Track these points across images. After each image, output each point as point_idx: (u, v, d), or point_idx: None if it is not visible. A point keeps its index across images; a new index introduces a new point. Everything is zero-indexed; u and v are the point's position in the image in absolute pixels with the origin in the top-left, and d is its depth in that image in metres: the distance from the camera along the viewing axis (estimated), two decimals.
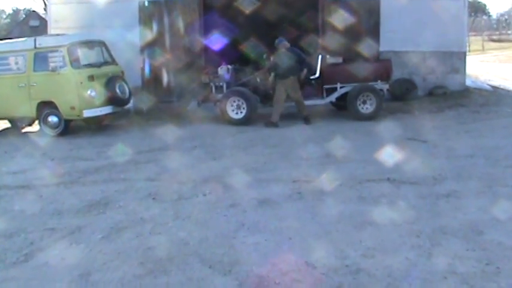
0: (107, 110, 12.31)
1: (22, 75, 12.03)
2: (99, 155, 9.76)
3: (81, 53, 12.09)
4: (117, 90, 12.20)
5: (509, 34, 53.66)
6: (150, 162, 8.97)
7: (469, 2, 19.91)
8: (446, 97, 14.46)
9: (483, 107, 13.10)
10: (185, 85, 14.46)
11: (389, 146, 9.15)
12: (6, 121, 13.79)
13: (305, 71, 11.85)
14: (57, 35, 13.00)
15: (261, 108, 12.29)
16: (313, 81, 12.45)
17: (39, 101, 11.92)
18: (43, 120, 12.06)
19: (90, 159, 9.53)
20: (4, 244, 5.55)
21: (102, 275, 4.68)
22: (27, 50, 12.02)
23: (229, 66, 12.57)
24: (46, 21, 17.28)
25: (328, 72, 12.31)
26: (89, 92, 11.77)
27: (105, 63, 12.59)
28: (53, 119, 11.96)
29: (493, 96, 14.94)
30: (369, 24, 14.68)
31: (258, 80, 12.40)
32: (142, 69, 14.89)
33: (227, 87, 12.36)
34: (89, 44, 12.58)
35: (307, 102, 12.25)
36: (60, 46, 11.82)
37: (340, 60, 12.80)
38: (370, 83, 12.07)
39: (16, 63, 12.33)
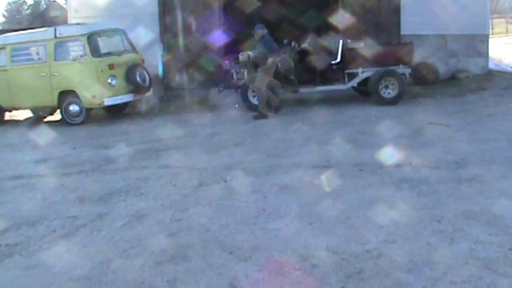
0: (128, 98, 12.41)
1: (43, 64, 12.15)
2: (120, 143, 9.83)
3: (101, 41, 12.17)
4: (138, 78, 12.26)
5: None
6: (170, 149, 9.01)
7: None
8: (468, 81, 14.25)
9: (507, 90, 12.89)
10: (206, 71, 14.44)
11: (411, 130, 9.08)
12: (29, 111, 13.94)
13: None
14: (77, 24, 13.07)
15: (282, 94, 12.19)
16: (334, 67, 12.36)
17: (60, 90, 12.04)
18: (64, 109, 12.18)
19: (111, 147, 9.61)
20: (27, 232, 5.62)
21: (123, 262, 4.71)
22: (48, 39, 12.12)
23: (250, 53, 12.50)
24: (66, 11, 17.35)
25: (349, 57, 12.18)
26: (109, 80, 11.85)
27: (125, 51, 12.66)
28: (74, 107, 12.08)
29: None
30: (390, 7, 14.50)
31: (280, 65, 12.28)
32: (163, 56, 14.89)
33: (248, 74, 12.31)
34: (109, 32, 12.65)
35: (329, 88, 12.16)
36: (80, 35, 11.90)
37: (361, 44, 12.66)
38: (392, 67, 11.93)
39: (37, 53, 12.49)
